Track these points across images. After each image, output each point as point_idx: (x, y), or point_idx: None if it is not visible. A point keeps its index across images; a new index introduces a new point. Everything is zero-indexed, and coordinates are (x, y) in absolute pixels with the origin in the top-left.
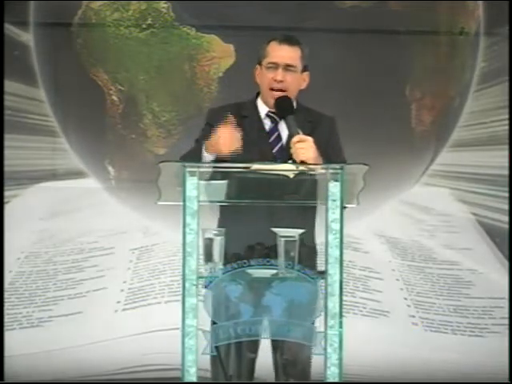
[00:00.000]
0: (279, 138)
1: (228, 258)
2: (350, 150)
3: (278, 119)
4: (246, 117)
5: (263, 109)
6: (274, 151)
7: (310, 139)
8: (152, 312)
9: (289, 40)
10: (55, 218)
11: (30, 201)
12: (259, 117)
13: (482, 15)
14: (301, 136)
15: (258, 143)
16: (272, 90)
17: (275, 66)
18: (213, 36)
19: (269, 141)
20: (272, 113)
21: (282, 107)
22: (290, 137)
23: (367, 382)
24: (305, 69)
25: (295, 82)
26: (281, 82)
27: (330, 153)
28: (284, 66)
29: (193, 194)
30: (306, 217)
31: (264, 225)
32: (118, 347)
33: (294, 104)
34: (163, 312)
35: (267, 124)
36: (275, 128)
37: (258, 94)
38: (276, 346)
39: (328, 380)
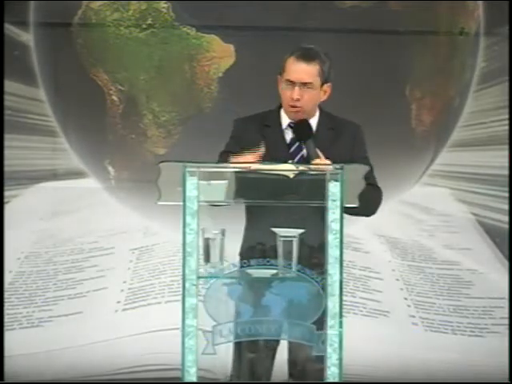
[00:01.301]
0: (301, 147)
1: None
2: None
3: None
4: (268, 126)
5: (285, 119)
6: (294, 161)
7: (327, 163)
8: (152, 312)
9: (306, 56)
10: (55, 217)
11: (30, 201)
12: (281, 127)
13: (482, 15)
14: (317, 161)
15: (279, 153)
16: (291, 107)
17: (292, 83)
18: (213, 36)
19: (289, 151)
20: (291, 127)
21: (300, 132)
22: (309, 160)
23: (367, 382)
24: (326, 81)
25: (313, 99)
26: (298, 100)
27: (354, 162)
28: (300, 84)
29: (193, 194)
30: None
31: (290, 225)
32: (118, 347)
33: (317, 114)
34: (163, 312)
35: (289, 134)
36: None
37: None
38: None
39: (328, 380)
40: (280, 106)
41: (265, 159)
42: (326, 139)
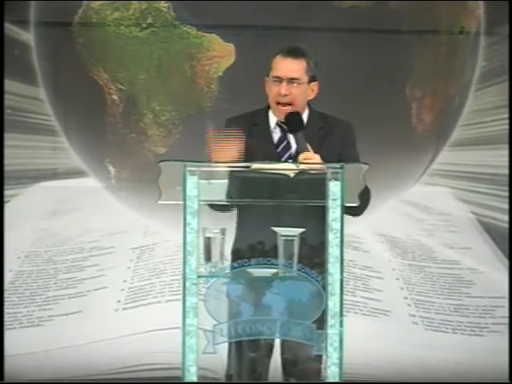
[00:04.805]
0: (288, 147)
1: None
2: None
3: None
4: (256, 125)
5: (273, 119)
6: (281, 161)
7: (316, 157)
8: (152, 311)
9: (293, 53)
10: (55, 217)
11: (31, 200)
12: (269, 126)
13: (482, 15)
14: (306, 154)
15: (266, 153)
16: (278, 104)
17: (279, 79)
18: (213, 35)
19: (277, 150)
20: (282, 122)
21: (292, 123)
22: (299, 154)
23: (367, 381)
24: (312, 79)
25: (301, 95)
26: (285, 95)
27: (343, 160)
28: (288, 79)
29: (193, 193)
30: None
31: (284, 224)
32: (119, 346)
33: (306, 113)
34: (164, 311)
35: (276, 133)
36: (284, 137)
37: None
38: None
39: (328, 380)
40: (268, 107)
41: (252, 158)
42: (316, 138)
